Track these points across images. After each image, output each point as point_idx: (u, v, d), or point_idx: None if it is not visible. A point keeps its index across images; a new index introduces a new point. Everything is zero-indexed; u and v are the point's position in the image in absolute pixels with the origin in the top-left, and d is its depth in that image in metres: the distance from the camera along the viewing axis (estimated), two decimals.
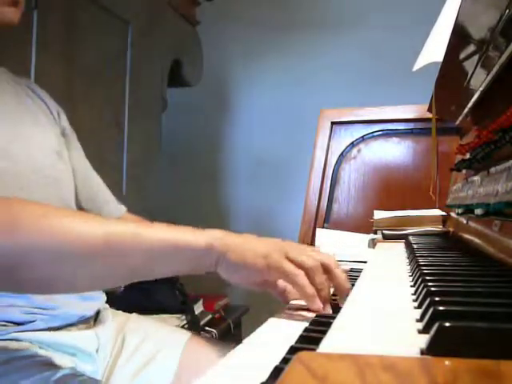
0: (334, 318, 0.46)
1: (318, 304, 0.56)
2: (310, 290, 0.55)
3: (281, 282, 0.65)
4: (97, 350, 0.79)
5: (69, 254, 0.56)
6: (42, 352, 0.71)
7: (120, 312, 0.94)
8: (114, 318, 0.89)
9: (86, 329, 0.81)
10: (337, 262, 0.62)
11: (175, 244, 0.58)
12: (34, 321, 0.73)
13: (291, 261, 0.57)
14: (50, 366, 0.68)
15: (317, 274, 0.57)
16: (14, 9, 0.78)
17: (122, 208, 1.01)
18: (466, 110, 1.03)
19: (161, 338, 0.86)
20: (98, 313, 0.86)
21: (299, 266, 0.57)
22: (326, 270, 0.59)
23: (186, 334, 0.88)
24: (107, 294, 0.92)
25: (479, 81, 0.85)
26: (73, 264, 0.56)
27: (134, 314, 0.94)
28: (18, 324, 0.72)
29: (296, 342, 0.41)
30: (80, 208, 0.93)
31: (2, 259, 0.54)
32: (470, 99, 0.95)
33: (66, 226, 0.56)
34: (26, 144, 0.79)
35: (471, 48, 0.80)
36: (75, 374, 0.67)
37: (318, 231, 1.40)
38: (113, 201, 1.00)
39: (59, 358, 0.71)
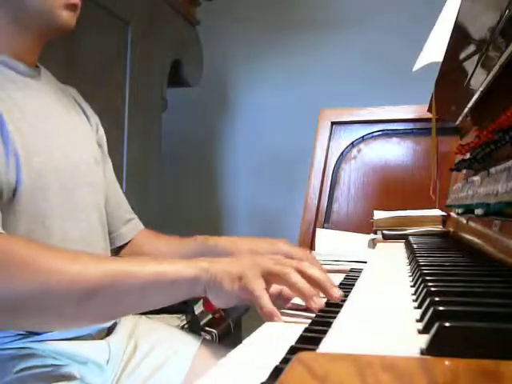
0: (334, 317, 0.46)
1: (274, 320, 0.56)
2: (267, 308, 0.56)
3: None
4: (107, 362, 0.78)
5: (63, 296, 0.59)
6: (50, 361, 0.71)
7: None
8: (125, 323, 0.88)
9: (99, 338, 0.80)
10: (309, 265, 0.62)
11: (164, 278, 0.62)
12: (49, 332, 0.73)
13: (266, 274, 0.59)
14: (59, 377, 0.68)
15: (291, 276, 0.59)
16: (72, 13, 0.78)
17: (140, 226, 1.01)
18: (466, 109, 1.03)
19: (171, 345, 0.85)
20: (113, 323, 0.86)
21: (275, 276, 0.59)
22: (302, 273, 0.60)
23: (197, 340, 0.87)
24: None
25: (479, 81, 0.85)
26: (68, 306, 0.60)
27: (143, 317, 0.94)
28: (35, 334, 0.72)
29: (296, 342, 0.41)
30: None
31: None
32: (470, 99, 0.95)
33: (60, 269, 0.59)
34: (68, 149, 0.81)
35: (471, 48, 0.80)
36: None
37: (318, 231, 1.40)
38: (132, 220, 1.00)
39: (69, 368, 0.71)
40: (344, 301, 0.55)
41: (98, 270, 0.60)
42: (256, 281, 0.58)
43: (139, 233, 1.00)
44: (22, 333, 0.71)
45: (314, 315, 0.53)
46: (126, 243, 0.97)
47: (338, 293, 0.58)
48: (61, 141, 0.79)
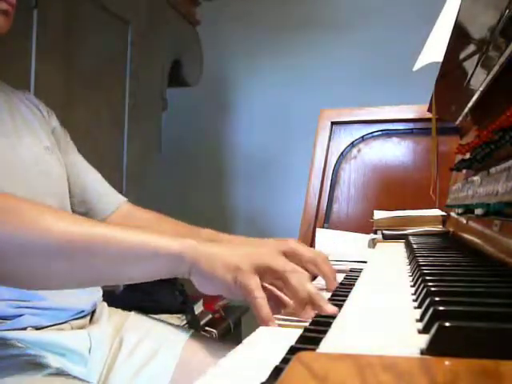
0: (334, 317, 0.46)
1: (269, 324, 0.54)
2: (265, 312, 0.54)
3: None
4: (89, 351, 0.78)
5: (43, 246, 0.57)
6: (28, 351, 0.70)
7: (119, 310, 0.93)
8: (112, 317, 0.88)
9: (79, 328, 0.80)
10: (307, 278, 0.59)
11: (145, 247, 0.58)
12: (21, 315, 0.72)
13: (261, 269, 0.56)
14: (36, 365, 0.67)
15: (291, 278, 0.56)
16: (4, 18, 0.79)
17: (121, 198, 0.99)
18: (466, 109, 1.03)
19: (160, 337, 0.85)
20: (93, 311, 0.86)
21: (270, 273, 0.57)
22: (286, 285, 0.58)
23: (186, 333, 0.87)
24: (106, 293, 0.92)
25: (479, 81, 0.85)
26: (46, 257, 0.58)
27: (133, 313, 0.93)
28: (5, 319, 0.71)
29: (296, 342, 0.41)
30: (76, 200, 0.94)
31: None
32: (470, 99, 0.95)
33: (44, 220, 0.58)
34: (15, 141, 0.81)
35: (471, 48, 0.80)
36: (61, 374, 0.67)
37: (318, 231, 1.40)
38: (111, 193, 0.99)
39: (46, 358, 0.70)
40: (344, 301, 0.55)
41: (78, 229, 0.58)
42: (252, 277, 0.55)
43: (132, 209, 0.99)
44: None
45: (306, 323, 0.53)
46: (108, 219, 0.96)
47: (332, 309, 0.53)
48: (5, 137, 0.80)
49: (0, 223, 0.57)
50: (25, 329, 0.72)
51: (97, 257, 0.59)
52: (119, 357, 0.82)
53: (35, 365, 0.67)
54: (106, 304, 0.91)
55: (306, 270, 0.68)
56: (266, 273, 0.57)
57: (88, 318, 0.84)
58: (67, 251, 0.58)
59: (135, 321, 0.90)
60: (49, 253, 0.58)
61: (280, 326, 0.53)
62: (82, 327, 0.81)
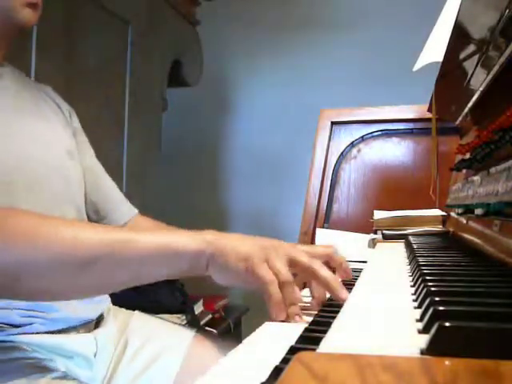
0: (333, 318, 0.46)
1: (279, 316, 0.54)
2: (277, 299, 0.54)
3: None
4: (95, 355, 0.78)
5: (63, 263, 0.57)
6: (34, 355, 0.70)
7: (123, 309, 0.93)
8: (117, 317, 0.88)
9: (86, 332, 0.79)
10: (320, 264, 0.60)
11: (166, 249, 0.59)
12: (31, 324, 0.72)
13: (270, 266, 0.56)
14: (42, 368, 0.67)
15: (287, 287, 0.56)
16: (33, 11, 0.79)
17: (134, 210, 1.00)
18: (466, 109, 1.03)
19: (164, 339, 0.84)
20: (100, 315, 0.85)
21: (275, 274, 0.56)
22: (311, 272, 0.58)
23: (190, 334, 0.86)
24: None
25: (479, 81, 0.85)
26: (68, 272, 0.58)
27: (137, 312, 0.93)
28: (15, 326, 0.71)
29: (296, 342, 0.41)
30: (91, 208, 0.93)
31: (1, 272, 0.56)
32: (470, 99, 0.95)
33: (60, 236, 0.58)
34: (38, 144, 0.80)
35: (471, 48, 0.80)
36: (66, 378, 0.67)
37: (318, 231, 1.40)
38: (125, 202, 0.99)
39: (53, 361, 0.70)
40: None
41: (97, 238, 0.58)
42: (265, 265, 0.56)
43: (138, 219, 0.99)
44: (3, 326, 0.70)
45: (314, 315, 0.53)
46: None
47: (345, 295, 0.56)
48: (33, 142, 0.79)
49: (13, 244, 0.56)
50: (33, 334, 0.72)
51: (118, 264, 0.59)
52: (123, 358, 0.82)
53: (41, 368, 0.67)
54: (111, 304, 0.91)
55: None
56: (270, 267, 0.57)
57: (93, 323, 0.83)
58: (87, 263, 0.58)
59: (139, 320, 0.89)
60: (68, 268, 0.58)
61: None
62: (88, 331, 0.80)
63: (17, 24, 0.79)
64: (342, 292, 0.57)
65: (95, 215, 0.94)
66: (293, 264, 0.58)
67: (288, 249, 0.59)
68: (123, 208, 0.98)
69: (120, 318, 0.88)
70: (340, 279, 0.66)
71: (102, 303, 0.85)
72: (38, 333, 0.73)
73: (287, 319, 0.55)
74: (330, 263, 0.70)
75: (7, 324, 0.71)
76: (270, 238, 0.61)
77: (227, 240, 0.59)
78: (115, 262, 0.58)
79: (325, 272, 0.58)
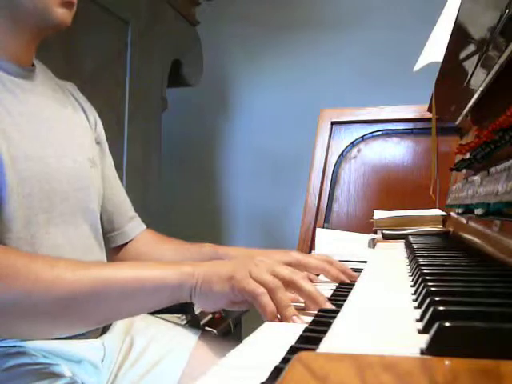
0: (333, 317, 0.46)
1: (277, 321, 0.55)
2: (270, 309, 0.55)
3: None
4: (102, 360, 0.78)
5: (44, 302, 0.59)
6: (42, 360, 0.70)
7: None
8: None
9: (94, 337, 0.79)
10: (304, 274, 0.62)
11: (145, 284, 0.61)
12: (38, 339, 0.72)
13: (255, 279, 0.57)
14: (49, 374, 0.67)
15: (277, 292, 0.57)
16: (68, 10, 0.78)
17: (143, 225, 1.00)
18: (466, 109, 1.03)
19: (168, 340, 0.84)
20: None
21: (262, 284, 0.57)
22: (292, 285, 0.60)
23: (194, 336, 0.86)
24: None
25: (479, 81, 0.85)
26: (49, 312, 0.60)
27: None
28: None
29: (296, 342, 0.41)
30: (106, 217, 0.93)
31: None
32: (470, 99, 0.95)
33: (41, 277, 0.59)
34: (60, 152, 0.79)
35: (471, 48, 0.80)
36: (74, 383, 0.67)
37: (318, 231, 1.40)
38: (136, 218, 0.99)
39: (60, 367, 0.70)
40: (344, 301, 0.55)
41: (76, 276, 0.60)
42: (248, 280, 0.57)
43: (142, 233, 0.99)
44: None
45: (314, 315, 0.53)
46: (128, 242, 0.96)
47: (329, 306, 0.57)
48: (52, 145, 0.78)
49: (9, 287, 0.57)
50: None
51: (98, 301, 0.61)
52: (127, 360, 0.81)
53: (49, 374, 0.67)
54: None
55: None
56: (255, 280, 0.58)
57: (101, 328, 0.82)
58: (68, 301, 0.59)
59: (144, 321, 0.89)
60: (50, 309, 0.59)
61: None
62: (95, 336, 0.80)
63: (52, 24, 0.77)
64: (326, 305, 0.57)
65: (109, 225, 0.94)
66: (275, 277, 0.59)
67: (268, 263, 0.61)
68: (135, 223, 0.98)
69: (123, 321, 0.88)
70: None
71: None
72: (46, 339, 0.72)
73: (291, 320, 0.55)
74: (329, 271, 0.71)
75: None
76: (266, 247, 0.62)
77: (206, 267, 0.61)
78: (95, 300, 0.60)
79: (306, 285, 0.59)
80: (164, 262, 0.79)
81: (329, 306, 0.57)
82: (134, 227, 0.97)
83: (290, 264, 0.73)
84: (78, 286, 0.59)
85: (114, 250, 0.95)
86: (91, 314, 0.62)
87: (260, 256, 0.80)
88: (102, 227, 0.90)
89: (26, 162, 0.71)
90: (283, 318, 0.56)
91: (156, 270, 0.62)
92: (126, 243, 0.96)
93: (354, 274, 0.74)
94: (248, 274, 0.58)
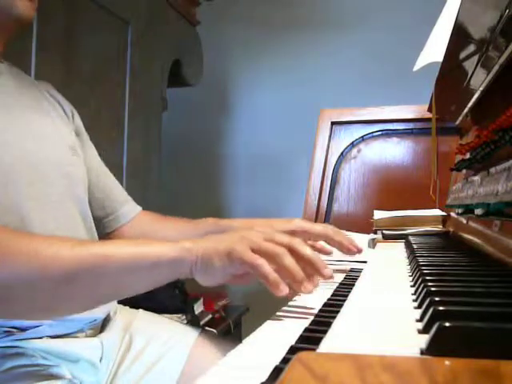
0: (333, 317, 0.46)
1: (282, 290, 0.54)
2: (272, 276, 0.54)
3: None
4: (100, 359, 0.77)
5: (43, 279, 0.58)
6: (41, 361, 0.69)
7: (127, 308, 0.92)
8: (121, 315, 0.87)
9: (93, 335, 0.79)
10: (301, 242, 0.60)
11: (143, 259, 0.60)
12: (39, 326, 0.72)
13: (255, 250, 0.56)
14: (48, 376, 0.67)
15: (284, 258, 0.56)
16: (30, 3, 0.76)
17: (138, 207, 1.00)
18: (466, 109, 1.03)
19: (168, 339, 0.84)
20: (106, 315, 0.85)
21: (264, 254, 0.56)
22: (291, 252, 0.58)
23: (193, 334, 0.86)
24: None
25: (479, 81, 0.85)
26: (49, 288, 0.59)
27: (141, 311, 0.92)
28: (23, 330, 0.71)
29: (296, 342, 0.41)
30: (97, 205, 0.92)
31: None
32: (470, 99, 0.95)
33: (41, 254, 0.58)
34: (39, 140, 0.79)
35: (471, 48, 0.80)
36: None
37: None
38: (129, 201, 0.99)
39: (59, 367, 0.70)
40: (344, 300, 0.55)
41: (75, 252, 0.58)
42: (249, 251, 0.56)
43: (139, 215, 0.98)
44: (9, 330, 0.70)
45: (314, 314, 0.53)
46: (125, 226, 0.95)
47: (329, 272, 0.57)
48: (32, 134, 0.78)
49: (13, 264, 0.57)
50: (40, 338, 0.72)
51: (98, 277, 0.59)
52: (126, 359, 0.81)
53: (48, 375, 0.67)
54: (116, 303, 0.90)
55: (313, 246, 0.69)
56: (258, 253, 0.56)
57: (99, 325, 0.82)
58: (68, 279, 0.58)
59: (144, 319, 0.89)
60: (49, 284, 0.58)
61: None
62: (94, 334, 0.80)
63: (14, 17, 0.76)
64: (326, 271, 0.57)
65: (102, 211, 0.93)
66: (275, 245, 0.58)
67: (266, 233, 0.59)
68: (129, 205, 0.97)
69: (124, 316, 0.88)
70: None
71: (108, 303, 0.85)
72: (45, 336, 0.72)
73: (299, 290, 0.55)
74: (333, 238, 0.70)
75: (15, 328, 0.70)
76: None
77: (205, 243, 0.60)
78: (95, 275, 0.59)
79: (306, 250, 0.58)
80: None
81: (328, 272, 0.57)
82: (128, 210, 0.96)
83: (294, 232, 0.71)
84: (78, 262, 0.58)
85: (112, 236, 0.95)
86: (92, 290, 0.61)
87: (262, 225, 0.79)
88: (96, 215, 0.90)
89: (5, 148, 0.71)
90: (295, 285, 0.55)
91: (155, 246, 0.61)
92: (124, 227, 0.95)
93: (360, 246, 0.73)
94: (247, 245, 0.56)
